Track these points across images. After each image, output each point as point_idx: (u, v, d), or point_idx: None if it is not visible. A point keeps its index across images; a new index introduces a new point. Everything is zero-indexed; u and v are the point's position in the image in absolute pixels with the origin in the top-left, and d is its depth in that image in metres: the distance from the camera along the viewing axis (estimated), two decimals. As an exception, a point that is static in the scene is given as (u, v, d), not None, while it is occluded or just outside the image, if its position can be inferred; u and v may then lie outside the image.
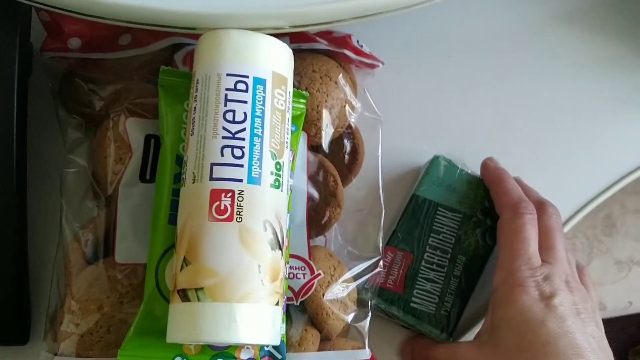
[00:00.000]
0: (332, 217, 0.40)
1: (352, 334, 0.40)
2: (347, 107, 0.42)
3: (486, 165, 0.44)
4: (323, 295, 0.38)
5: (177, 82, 0.36)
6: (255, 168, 0.32)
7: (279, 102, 0.33)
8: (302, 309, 0.38)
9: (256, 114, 0.32)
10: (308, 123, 0.40)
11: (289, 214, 0.37)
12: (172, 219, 0.34)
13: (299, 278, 0.38)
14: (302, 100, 0.39)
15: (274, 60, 0.34)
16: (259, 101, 0.33)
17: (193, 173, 0.32)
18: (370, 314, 0.40)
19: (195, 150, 0.32)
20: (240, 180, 0.31)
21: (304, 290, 0.38)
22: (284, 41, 0.35)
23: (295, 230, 0.39)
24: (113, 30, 0.38)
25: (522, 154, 0.48)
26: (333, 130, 0.41)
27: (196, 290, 0.30)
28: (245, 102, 0.32)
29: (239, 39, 0.33)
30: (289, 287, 0.38)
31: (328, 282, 0.39)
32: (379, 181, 0.44)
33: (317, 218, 0.40)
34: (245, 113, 0.32)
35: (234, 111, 0.32)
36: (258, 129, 0.32)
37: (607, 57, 0.51)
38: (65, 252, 0.36)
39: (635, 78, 0.51)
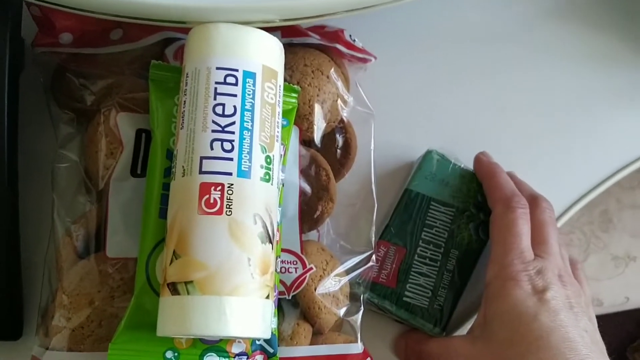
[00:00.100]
0: (325, 212, 0.40)
1: (345, 328, 0.40)
2: (339, 101, 0.42)
3: (479, 159, 0.44)
4: (315, 290, 0.38)
5: (168, 77, 0.36)
6: (245, 161, 0.32)
7: (269, 96, 0.33)
8: (294, 303, 0.38)
9: (246, 107, 0.32)
10: (300, 117, 0.40)
11: (280, 208, 0.37)
12: (163, 213, 0.34)
13: (291, 272, 0.38)
14: (294, 95, 0.39)
15: (264, 53, 0.34)
16: (248, 95, 0.33)
17: (183, 167, 0.32)
18: (362, 308, 0.40)
19: (185, 143, 0.32)
20: (230, 174, 0.31)
21: (296, 284, 0.38)
22: (275, 35, 0.35)
23: (287, 224, 0.39)
24: (104, 25, 0.38)
25: (516, 148, 0.48)
26: (325, 124, 0.41)
27: (186, 283, 0.30)
28: (235, 95, 0.32)
29: (228, 32, 0.33)
30: (281, 281, 0.38)
31: (320, 276, 0.39)
32: (372, 175, 0.44)
33: (309, 212, 0.40)
34: (235, 106, 0.32)
35: (223, 105, 0.32)
36: (248, 122, 0.32)
37: (602, 52, 0.51)
38: (56, 247, 0.36)
39: (630, 72, 0.51)
